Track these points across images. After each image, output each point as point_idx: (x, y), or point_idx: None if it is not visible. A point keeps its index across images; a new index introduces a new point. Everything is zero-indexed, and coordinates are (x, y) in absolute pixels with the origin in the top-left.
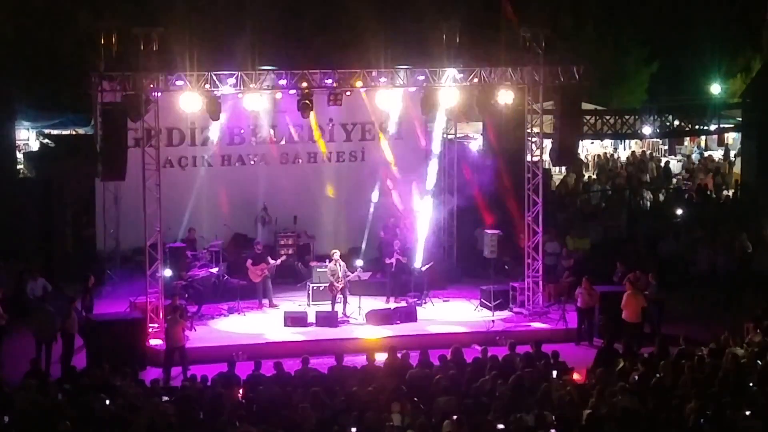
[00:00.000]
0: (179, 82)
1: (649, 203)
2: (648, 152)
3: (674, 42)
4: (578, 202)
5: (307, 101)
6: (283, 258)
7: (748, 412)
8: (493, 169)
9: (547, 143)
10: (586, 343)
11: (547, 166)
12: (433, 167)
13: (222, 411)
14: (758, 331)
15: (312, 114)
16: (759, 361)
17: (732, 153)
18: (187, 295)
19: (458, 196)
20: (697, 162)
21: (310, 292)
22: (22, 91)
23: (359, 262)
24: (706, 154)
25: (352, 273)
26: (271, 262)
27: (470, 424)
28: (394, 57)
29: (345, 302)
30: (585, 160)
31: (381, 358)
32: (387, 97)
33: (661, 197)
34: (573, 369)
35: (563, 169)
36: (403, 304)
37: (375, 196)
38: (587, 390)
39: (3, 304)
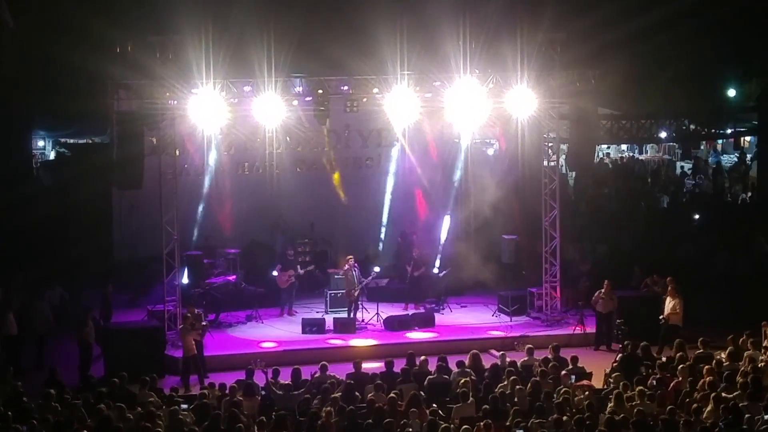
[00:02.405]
0: (195, 90)
1: (666, 205)
2: (665, 157)
3: (689, 46)
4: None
5: (322, 108)
6: (311, 268)
7: (767, 416)
8: (510, 174)
9: (564, 148)
10: (604, 348)
11: (564, 171)
12: (449, 172)
13: (240, 418)
14: None
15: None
16: None
17: (748, 156)
18: (204, 303)
19: (474, 201)
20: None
21: (328, 299)
22: (38, 100)
23: (376, 269)
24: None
25: (367, 279)
26: (300, 270)
27: (489, 430)
28: (410, 63)
29: (357, 308)
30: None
31: (399, 364)
32: (403, 103)
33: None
34: (591, 373)
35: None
36: (421, 310)
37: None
38: (606, 394)
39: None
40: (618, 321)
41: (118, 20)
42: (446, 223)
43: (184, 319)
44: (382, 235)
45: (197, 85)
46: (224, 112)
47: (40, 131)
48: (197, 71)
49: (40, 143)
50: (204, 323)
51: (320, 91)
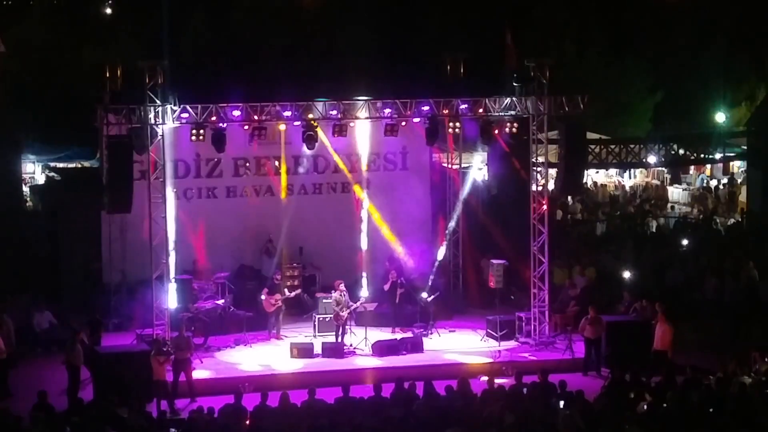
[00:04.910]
0: (184, 115)
1: (654, 230)
2: (653, 181)
3: (679, 71)
4: (584, 231)
5: (312, 132)
6: (298, 292)
7: None
8: (498, 199)
9: (552, 172)
10: (593, 373)
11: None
12: (438, 197)
13: None
14: (765, 360)
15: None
16: (766, 391)
17: (738, 181)
18: (193, 327)
19: (463, 226)
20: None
21: (316, 323)
22: (27, 124)
23: (364, 293)
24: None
25: (355, 303)
26: (287, 294)
27: None
28: (399, 88)
29: (344, 332)
30: (592, 189)
31: (388, 389)
32: (391, 128)
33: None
34: (581, 393)
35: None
36: (409, 334)
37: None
38: (595, 420)
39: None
40: (607, 347)
41: (107, 45)
42: (441, 248)
43: (151, 343)
44: (370, 260)
45: (186, 109)
46: (213, 137)
47: (29, 155)
48: (186, 96)
49: (30, 167)
50: (166, 349)
51: (310, 116)
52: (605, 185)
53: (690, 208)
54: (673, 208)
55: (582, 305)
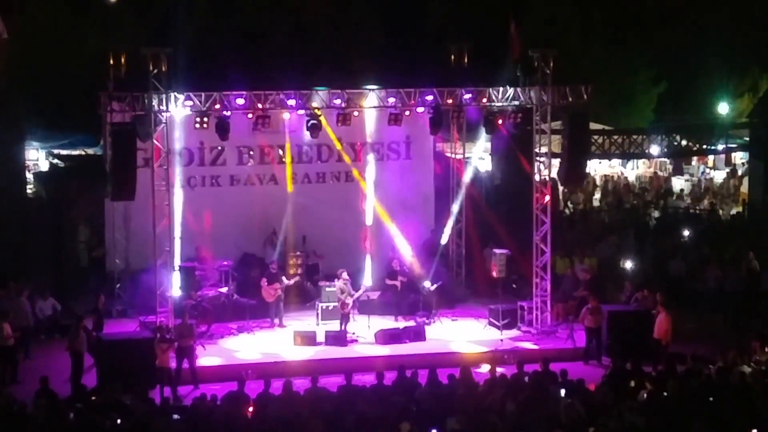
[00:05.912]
0: (188, 103)
1: (654, 221)
2: (658, 172)
3: (682, 62)
4: (587, 221)
5: (316, 121)
6: (297, 279)
7: (755, 431)
8: (501, 188)
9: (555, 162)
10: (594, 362)
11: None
12: (441, 186)
13: (232, 429)
14: (765, 349)
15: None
16: (766, 380)
17: (739, 172)
18: (196, 314)
19: (466, 216)
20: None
21: (319, 311)
22: (31, 111)
23: (367, 282)
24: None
25: (356, 291)
26: (285, 282)
27: None
28: (403, 77)
29: (347, 321)
30: (595, 181)
31: (390, 377)
32: (395, 118)
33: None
34: (583, 382)
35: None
36: (412, 323)
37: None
38: (595, 408)
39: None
40: (608, 336)
41: (111, 32)
42: (446, 230)
43: (156, 330)
44: (373, 249)
45: (190, 97)
46: (217, 125)
47: (33, 142)
48: (190, 84)
49: (33, 154)
50: (169, 336)
51: (314, 104)
52: (608, 176)
53: (691, 199)
54: (682, 197)
55: (588, 291)
